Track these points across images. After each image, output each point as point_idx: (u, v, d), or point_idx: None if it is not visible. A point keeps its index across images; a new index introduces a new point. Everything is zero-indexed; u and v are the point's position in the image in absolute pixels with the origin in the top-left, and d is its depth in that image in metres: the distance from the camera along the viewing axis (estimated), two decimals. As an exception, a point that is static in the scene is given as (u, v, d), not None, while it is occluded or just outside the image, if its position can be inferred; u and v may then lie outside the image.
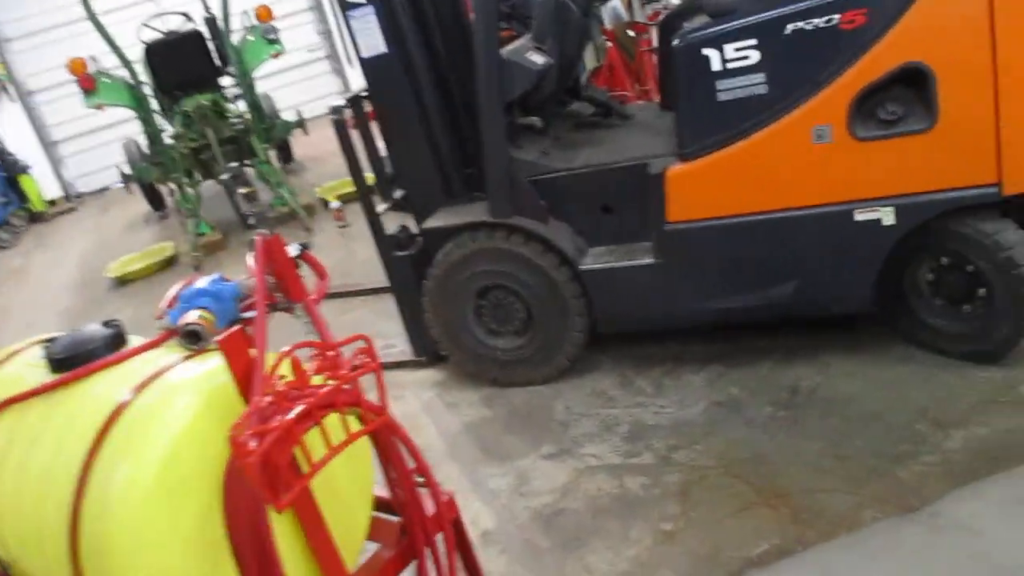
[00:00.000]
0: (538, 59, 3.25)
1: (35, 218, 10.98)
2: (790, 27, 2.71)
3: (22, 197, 10.99)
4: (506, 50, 3.27)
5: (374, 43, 3.37)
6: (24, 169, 11.05)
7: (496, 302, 3.46)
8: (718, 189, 2.98)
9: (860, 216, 2.85)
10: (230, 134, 6.81)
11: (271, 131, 7.08)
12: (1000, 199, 2.72)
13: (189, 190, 6.87)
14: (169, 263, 6.95)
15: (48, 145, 11.55)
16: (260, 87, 8.40)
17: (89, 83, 6.58)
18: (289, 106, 8.19)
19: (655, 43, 7.07)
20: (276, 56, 6.86)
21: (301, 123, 7.27)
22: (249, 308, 2.09)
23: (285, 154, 8.78)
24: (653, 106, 3.90)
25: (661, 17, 7.05)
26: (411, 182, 3.60)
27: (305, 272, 2.25)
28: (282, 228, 6.97)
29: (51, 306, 6.99)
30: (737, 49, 2.78)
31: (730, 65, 2.80)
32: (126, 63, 6.77)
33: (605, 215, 3.31)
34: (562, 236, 3.29)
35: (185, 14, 7.24)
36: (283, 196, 6.79)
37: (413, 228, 3.75)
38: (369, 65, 3.40)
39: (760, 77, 2.79)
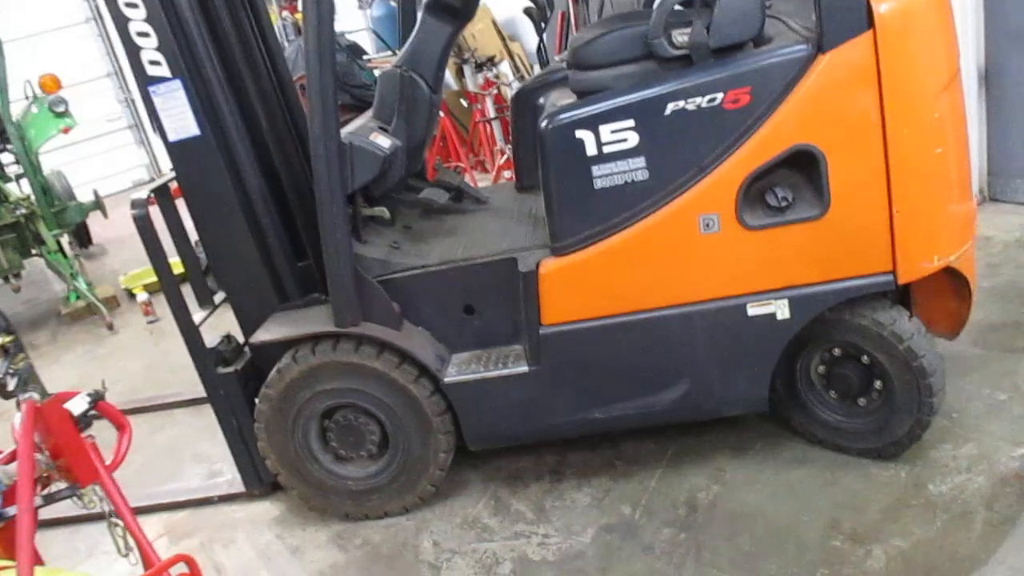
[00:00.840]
0: (384, 142, 2.82)
1: None
2: (670, 107, 2.43)
3: None
4: (347, 132, 2.82)
5: (183, 124, 2.82)
6: None
7: (345, 423, 2.93)
8: (598, 286, 2.64)
9: (753, 310, 2.58)
10: (11, 220, 5.87)
11: (63, 215, 6.18)
12: (895, 287, 2.54)
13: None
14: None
15: None
16: (53, 161, 7.45)
17: None
18: (87, 181, 7.28)
19: (490, 112, 6.86)
20: (66, 131, 6.02)
21: (99, 204, 6.43)
22: (10, 503, 1.51)
23: (82, 238, 7.79)
24: (508, 188, 3.56)
25: (494, 88, 6.91)
26: (233, 284, 3.04)
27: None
28: (79, 326, 6.06)
29: None
30: (614, 131, 2.47)
31: (607, 149, 2.48)
32: None
33: (468, 316, 2.89)
34: (420, 344, 2.83)
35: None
36: (78, 289, 5.90)
37: (238, 335, 3.17)
38: (178, 150, 2.84)
39: (640, 162, 2.48)
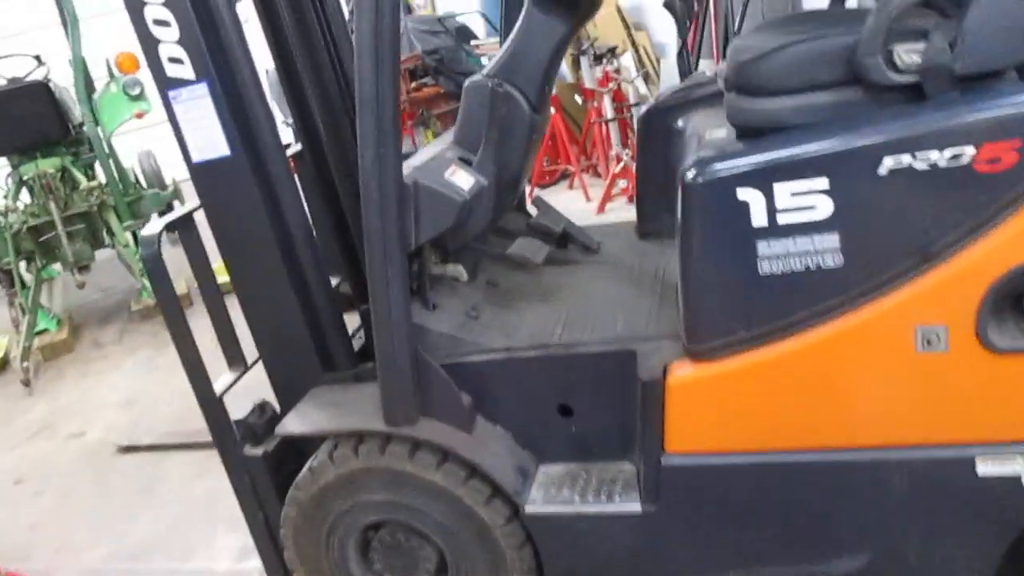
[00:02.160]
0: (464, 181, 2.08)
1: None
2: (888, 162, 1.60)
3: None
4: (414, 166, 2.09)
5: (209, 140, 2.17)
6: None
7: (392, 543, 2.24)
8: (752, 410, 1.84)
9: (985, 468, 1.73)
10: (83, 209, 5.46)
11: (137, 205, 5.75)
12: None
13: (27, 275, 5.48)
14: (1, 367, 5.51)
15: None
16: (139, 143, 7.07)
17: None
18: (164, 167, 6.85)
19: (607, 112, 6.05)
20: (140, 115, 5.56)
21: (177, 193, 5.97)
22: None
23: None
24: (626, 231, 2.76)
25: (614, 83, 6.08)
26: (268, 343, 2.38)
27: None
28: (148, 325, 5.63)
29: None
30: (795, 193, 1.66)
31: (783, 219, 1.67)
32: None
33: (564, 419, 2.14)
34: (496, 455, 2.09)
35: (37, 57, 5.88)
36: (147, 287, 5.45)
37: (275, 403, 2.52)
38: (202, 173, 2.20)
39: (832, 240, 1.67)
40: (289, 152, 2.54)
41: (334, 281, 2.61)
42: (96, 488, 3.75)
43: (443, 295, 2.26)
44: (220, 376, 2.45)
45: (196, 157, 2.19)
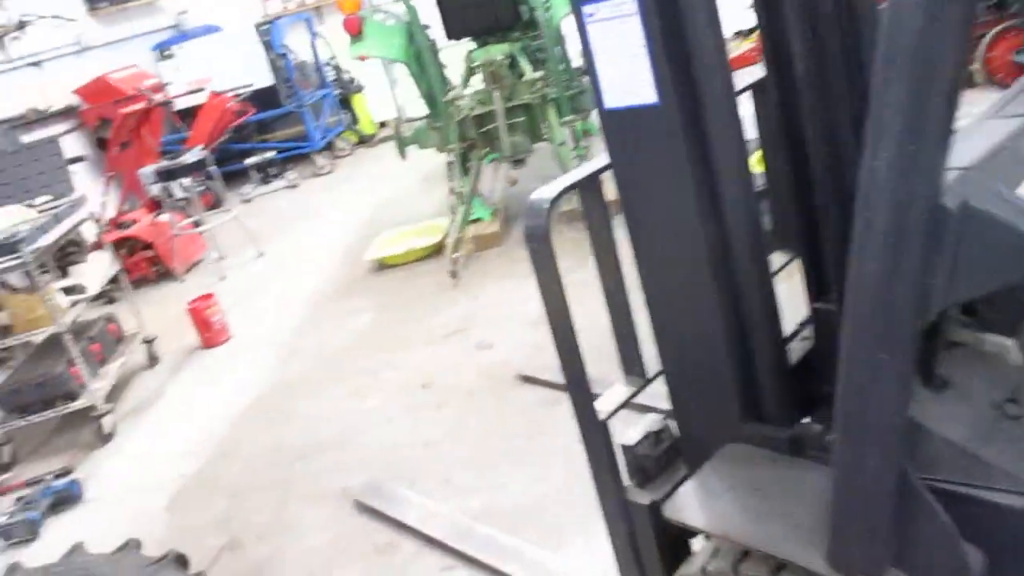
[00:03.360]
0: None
1: (362, 140, 10.49)
2: None
3: (354, 118, 10.53)
4: (960, 171, 1.19)
5: (632, 81, 1.50)
6: (359, 89, 10.54)
7: None
8: None
9: None
10: (524, 101, 5.21)
11: (578, 99, 5.36)
12: None
13: (468, 165, 5.45)
14: (436, 251, 5.66)
15: (386, 63, 10.90)
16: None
17: (354, 27, 5.32)
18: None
19: None
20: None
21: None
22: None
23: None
24: None
25: None
26: (673, 360, 1.73)
27: None
28: (571, 231, 5.32)
29: (305, 273, 6.11)
30: None
31: None
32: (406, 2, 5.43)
33: None
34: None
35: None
36: (577, 191, 5.08)
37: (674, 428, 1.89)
38: (615, 123, 1.56)
39: None
40: (743, 82, 1.79)
41: (779, 260, 1.88)
42: (491, 419, 3.53)
43: (958, 365, 1.37)
44: (609, 389, 1.87)
45: (609, 101, 1.54)
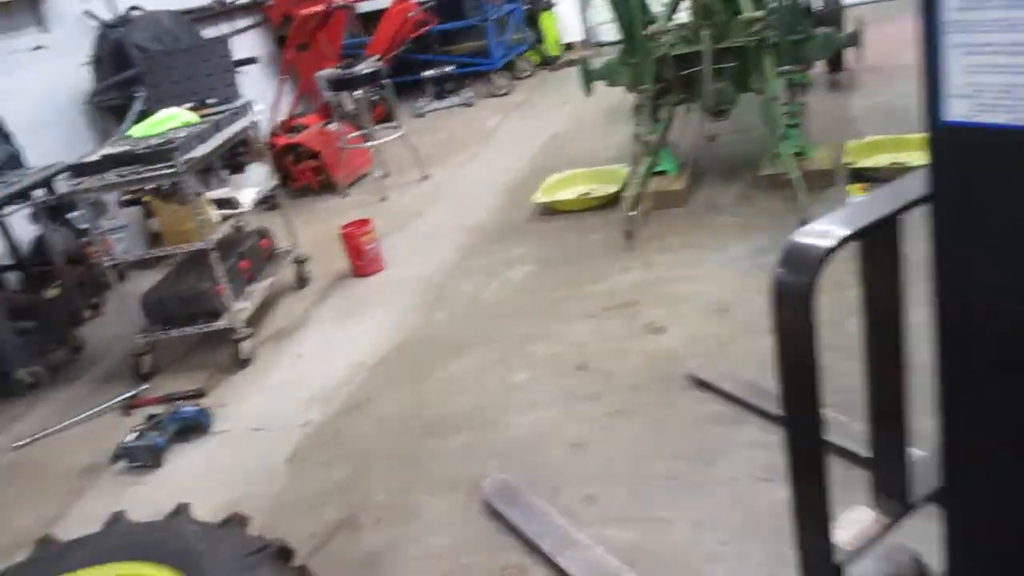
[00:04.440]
0: None
1: (545, 62, 9.89)
2: None
3: (538, 37, 9.92)
4: None
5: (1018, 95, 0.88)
6: (549, 6, 9.89)
7: None
8: None
9: None
10: (738, 43, 4.46)
11: (803, 47, 4.54)
12: None
13: (660, 110, 4.78)
14: (611, 202, 5.08)
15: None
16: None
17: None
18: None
19: None
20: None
21: (854, 38, 4.59)
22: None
23: (834, 63, 6.13)
24: None
25: None
26: (973, 487, 1.14)
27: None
28: (770, 199, 4.60)
29: (467, 206, 5.69)
30: None
31: None
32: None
33: None
34: None
35: None
36: (781, 151, 4.33)
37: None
38: (969, 144, 0.95)
39: None
40: None
41: None
42: (655, 428, 3.00)
43: None
44: (851, 510, 1.31)
45: (957, 113, 0.93)
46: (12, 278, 5.16)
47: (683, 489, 2.65)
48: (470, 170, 6.65)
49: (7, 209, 4.55)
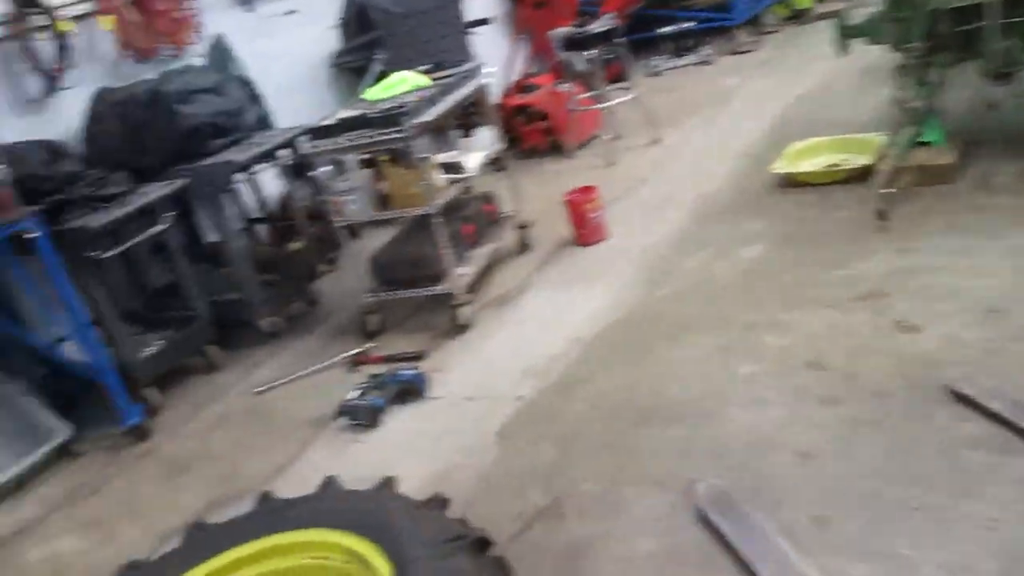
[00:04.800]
0: None
1: (794, 16, 9.13)
2: None
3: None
4: None
5: None
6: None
7: None
8: None
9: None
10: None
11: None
12: None
13: (929, 72, 4.18)
14: (862, 176, 4.56)
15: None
16: None
17: None
18: None
19: None
20: None
21: None
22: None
23: None
24: None
25: None
26: None
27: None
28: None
29: (700, 173, 5.34)
30: None
31: None
32: None
33: None
34: None
35: None
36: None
37: None
38: None
39: None
40: None
41: None
42: (902, 447, 2.59)
43: None
44: None
45: None
46: (260, 232, 5.53)
47: (931, 524, 2.28)
48: (704, 134, 6.27)
49: (257, 167, 4.84)
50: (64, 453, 4.08)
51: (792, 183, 4.75)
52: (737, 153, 5.56)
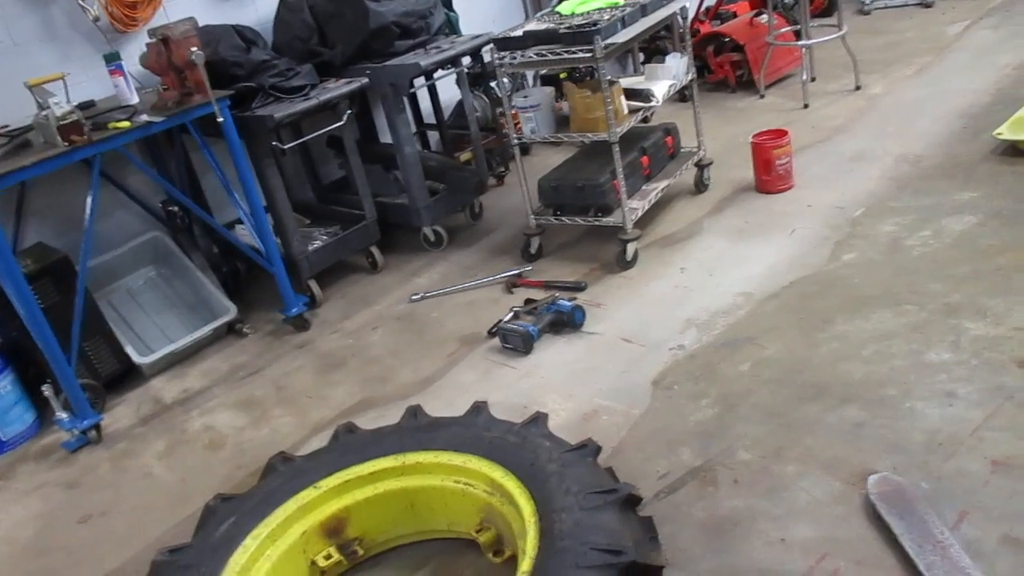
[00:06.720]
0: None
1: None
2: None
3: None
4: None
5: None
6: None
7: None
8: None
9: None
10: None
11: None
12: None
13: None
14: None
15: None
16: None
17: None
18: None
19: None
20: None
21: None
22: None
23: None
24: None
25: None
26: None
27: None
28: None
29: (906, 130, 4.84)
30: None
31: None
32: None
33: None
34: None
35: None
36: None
37: None
38: None
39: None
40: None
41: None
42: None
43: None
44: None
45: None
46: (432, 139, 5.50)
47: None
48: (915, 85, 5.67)
49: (438, 73, 4.75)
50: (229, 332, 4.26)
51: (1017, 152, 4.22)
52: (952, 112, 5.00)
